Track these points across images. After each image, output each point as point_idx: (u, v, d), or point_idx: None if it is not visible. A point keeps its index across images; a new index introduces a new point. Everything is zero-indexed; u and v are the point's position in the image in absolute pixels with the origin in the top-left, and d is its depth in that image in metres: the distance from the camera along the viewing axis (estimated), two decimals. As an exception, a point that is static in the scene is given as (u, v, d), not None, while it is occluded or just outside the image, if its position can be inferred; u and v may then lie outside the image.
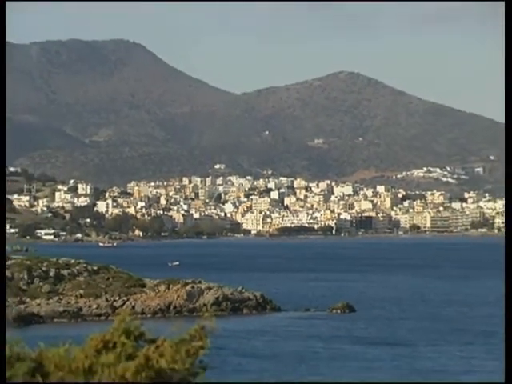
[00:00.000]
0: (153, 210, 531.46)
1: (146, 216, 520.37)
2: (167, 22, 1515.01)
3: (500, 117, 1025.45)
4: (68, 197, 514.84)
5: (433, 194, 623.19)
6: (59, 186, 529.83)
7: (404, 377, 78.99)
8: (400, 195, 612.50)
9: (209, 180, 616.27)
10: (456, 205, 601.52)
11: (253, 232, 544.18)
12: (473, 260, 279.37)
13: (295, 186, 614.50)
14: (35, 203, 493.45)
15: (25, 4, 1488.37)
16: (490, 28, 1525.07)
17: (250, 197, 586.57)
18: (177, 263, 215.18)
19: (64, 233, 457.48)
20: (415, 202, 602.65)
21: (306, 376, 79.47)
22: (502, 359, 49.30)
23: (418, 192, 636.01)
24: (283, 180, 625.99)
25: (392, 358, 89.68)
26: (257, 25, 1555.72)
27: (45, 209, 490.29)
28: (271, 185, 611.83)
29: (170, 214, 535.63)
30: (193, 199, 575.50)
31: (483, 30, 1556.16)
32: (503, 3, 20.57)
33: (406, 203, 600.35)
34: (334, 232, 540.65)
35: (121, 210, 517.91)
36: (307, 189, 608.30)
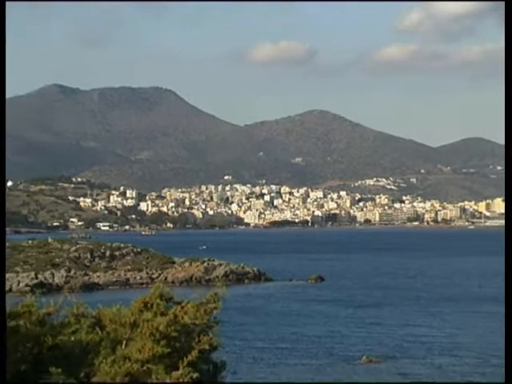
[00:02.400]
0: (180, 209, 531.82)
1: (175, 213, 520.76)
2: (190, 75, 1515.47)
3: (428, 141, 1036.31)
4: (119, 199, 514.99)
5: (380, 197, 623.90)
6: (113, 191, 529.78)
7: (355, 327, 78.93)
8: (357, 198, 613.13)
9: (220, 187, 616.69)
10: (397, 205, 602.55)
11: (251, 224, 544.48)
12: (411, 243, 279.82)
13: (282, 191, 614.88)
14: (96, 204, 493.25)
15: (90, 58, 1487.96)
16: (423, 81, 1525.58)
17: (250, 199, 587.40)
18: (204, 247, 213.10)
19: (116, 225, 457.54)
20: (367, 203, 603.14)
21: (285, 325, 79.52)
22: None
23: (369, 195, 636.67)
24: (273, 187, 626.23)
25: (347, 314, 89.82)
26: (256, 78, 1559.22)
27: (102, 208, 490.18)
28: (265, 191, 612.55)
29: (192, 211, 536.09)
30: (208, 201, 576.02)
31: (417, 82, 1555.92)
32: (503, 3, 17.85)
33: (361, 204, 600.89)
34: (309, 224, 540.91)
35: (157, 208, 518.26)
36: (290, 193, 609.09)
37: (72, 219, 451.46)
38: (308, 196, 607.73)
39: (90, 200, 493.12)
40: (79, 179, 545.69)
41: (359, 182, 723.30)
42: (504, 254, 14.27)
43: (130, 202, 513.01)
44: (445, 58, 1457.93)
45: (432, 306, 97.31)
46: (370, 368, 59.44)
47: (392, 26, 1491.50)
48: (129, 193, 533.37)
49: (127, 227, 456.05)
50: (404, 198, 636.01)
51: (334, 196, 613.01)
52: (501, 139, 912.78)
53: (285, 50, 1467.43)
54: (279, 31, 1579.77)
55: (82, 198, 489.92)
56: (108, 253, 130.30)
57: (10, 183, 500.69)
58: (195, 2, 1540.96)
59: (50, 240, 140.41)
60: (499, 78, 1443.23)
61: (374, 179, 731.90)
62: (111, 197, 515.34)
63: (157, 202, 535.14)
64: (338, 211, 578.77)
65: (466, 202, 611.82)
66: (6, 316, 12.73)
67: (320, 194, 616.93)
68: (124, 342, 12.77)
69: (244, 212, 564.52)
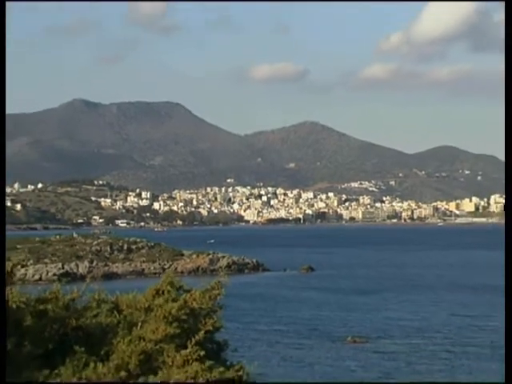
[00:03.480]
0: (188, 208, 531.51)
1: (184, 211, 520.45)
2: (197, 91, 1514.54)
3: (405, 149, 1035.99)
4: (135, 199, 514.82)
5: (363, 198, 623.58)
6: (129, 193, 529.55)
7: (341, 311, 78.90)
8: (343, 198, 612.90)
9: (223, 189, 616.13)
10: (378, 204, 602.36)
11: (251, 222, 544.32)
12: (390, 238, 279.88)
13: (277, 193, 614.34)
14: (115, 203, 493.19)
15: (110, 76, 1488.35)
16: (402, 97, 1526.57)
17: (249, 199, 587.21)
18: (212, 241, 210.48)
19: (133, 222, 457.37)
20: (352, 203, 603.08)
21: (280, 309, 79.45)
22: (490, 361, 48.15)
23: (354, 196, 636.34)
24: (270, 189, 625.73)
25: (334, 300, 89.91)
26: (255, 94, 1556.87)
27: (121, 207, 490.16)
28: (262, 192, 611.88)
29: (199, 210, 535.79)
30: (213, 201, 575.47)
31: (396, 97, 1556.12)
32: (503, 3, 15.29)
33: (346, 203, 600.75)
34: (301, 222, 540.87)
35: (168, 207, 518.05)
36: (285, 194, 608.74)
37: (94, 217, 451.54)
38: (300, 197, 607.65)
39: (109, 200, 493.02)
40: (100, 182, 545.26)
41: (345, 185, 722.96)
42: (504, 252, 13.49)
43: (144, 202, 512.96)
44: (420, 76, 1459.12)
45: (408, 293, 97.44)
46: (355, 347, 59.51)
47: (374, 48, 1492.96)
48: (143, 194, 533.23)
49: (142, 224, 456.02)
50: (384, 198, 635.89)
51: (323, 197, 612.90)
52: (468, 147, 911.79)
53: (281, 69, 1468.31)
54: (276, 54, 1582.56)
55: (102, 199, 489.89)
56: (125, 246, 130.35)
57: (40, 185, 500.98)
58: (203, 29, 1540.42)
59: (74, 235, 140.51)
60: (466, 95, 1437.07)
61: (358, 182, 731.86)
62: (128, 197, 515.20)
63: (168, 202, 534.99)
64: (326, 210, 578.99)
65: (439, 202, 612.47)
66: (35, 303, 12.72)
67: (311, 195, 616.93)
68: (139, 324, 12.75)
69: (244, 211, 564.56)
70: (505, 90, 14.11)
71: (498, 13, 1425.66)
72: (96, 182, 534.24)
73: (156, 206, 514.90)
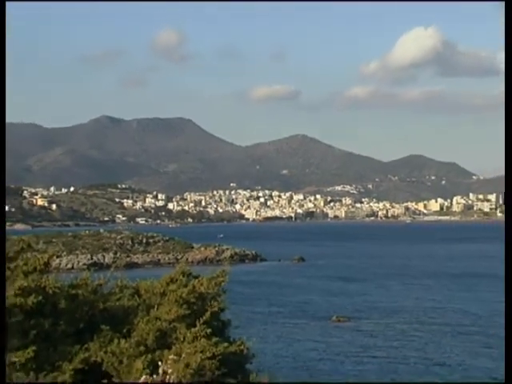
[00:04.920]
0: (197, 208, 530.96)
1: (194, 211, 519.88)
2: (205, 108, 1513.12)
3: (381, 157, 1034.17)
4: (152, 201, 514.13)
5: (345, 199, 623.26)
6: (148, 195, 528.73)
7: (327, 295, 78.75)
8: (328, 200, 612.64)
9: (227, 192, 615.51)
10: (358, 205, 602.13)
11: (250, 219, 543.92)
12: (368, 234, 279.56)
13: (273, 195, 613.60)
14: (135, 204, 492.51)
15: (131, 96, 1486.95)
16: (379, 114, 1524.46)
17: (249, 200, 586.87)
18: (222, 235, 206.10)
19: (150, 220, 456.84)
20: (336, 203, 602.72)
21: (275, 294, 79.31)
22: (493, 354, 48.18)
23: (337, 198, 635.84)
24: (267, 192, 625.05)
25: (322, 286, 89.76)
26: (255, 111, 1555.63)
27: (140, 207, 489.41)
28: (260, 194, 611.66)
29: (206, 209, 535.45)
30: (219, 202, 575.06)
31: (374, 114, 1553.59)
32: (503, 3, 13.29)
33: (331, 204, 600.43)
34: (293, 219, 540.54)
35: (181, 207, 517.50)
36: (279, 196, 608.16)
37: (118, 216, 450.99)
38: (292, 198, 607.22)
39: (131, 201, 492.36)
40: (123, 186, 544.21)
41: (330, 188, 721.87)
42: (504, 251, 12.53)
43: (160, 203, 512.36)
44: (395, 97, 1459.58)
45: (384, 279, 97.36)
46: (339, 325, 59.45)
47: (356, 73, 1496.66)
48: (159, 196, 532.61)
49: (158, 221, 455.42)
50: (363, 199, 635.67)
51: (312, 198, 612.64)
52: (434, 156, 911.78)
53: (277, 91, 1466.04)
54: (273, 78, 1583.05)
55: (125, 200, 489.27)
56: (144, 240, 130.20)
57: (72, 188, 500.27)
58: (210, 57, 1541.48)
59: (101, 231, 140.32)
60: (434, 113, 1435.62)
61: (341, 186, 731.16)
62: (146, 199, 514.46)
63: (180, 202, 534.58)
64: (314, 209, 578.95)
65: (409, 203, 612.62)
66: (68, 288, 12.68)
67: (301, 196, 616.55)
68: (156, 307, 12.74)
69: (245, 210, 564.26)
70: (505, 91, 13.05)
71: (462, 43, 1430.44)
72: (119, 186, 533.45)
73: (170, 206, 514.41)
